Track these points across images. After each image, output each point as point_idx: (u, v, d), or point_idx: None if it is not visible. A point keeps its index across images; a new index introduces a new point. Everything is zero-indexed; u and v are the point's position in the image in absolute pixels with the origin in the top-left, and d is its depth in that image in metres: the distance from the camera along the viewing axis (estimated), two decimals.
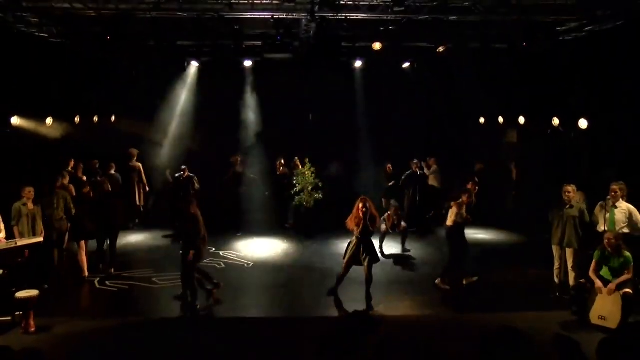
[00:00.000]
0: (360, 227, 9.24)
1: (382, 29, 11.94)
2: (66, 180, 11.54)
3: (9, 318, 8.20)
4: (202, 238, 9.29)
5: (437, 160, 15.58)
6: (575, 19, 10.23)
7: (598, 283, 8.34)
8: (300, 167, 14.68)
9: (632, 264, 8.26)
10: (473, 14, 10.28)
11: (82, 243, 10.66)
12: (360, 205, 9.32)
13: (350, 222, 9.38)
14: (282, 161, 15.64)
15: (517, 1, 9.58)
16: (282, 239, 14.16)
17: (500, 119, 14.55)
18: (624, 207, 9.03)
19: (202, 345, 7.79)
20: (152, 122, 16.51)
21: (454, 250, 10.24)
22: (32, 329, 8.01)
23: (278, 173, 15.39)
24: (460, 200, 10.10)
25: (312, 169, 14.64)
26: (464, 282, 10.28)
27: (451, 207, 10.21)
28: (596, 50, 10.76)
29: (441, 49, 13.68)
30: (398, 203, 13.92)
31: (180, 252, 9.37)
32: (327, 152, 16.09)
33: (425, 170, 15.47)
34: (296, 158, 15.35)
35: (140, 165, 15.26)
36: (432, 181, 15.48)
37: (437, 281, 10.27)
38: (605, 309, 8.19)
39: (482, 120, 15.65)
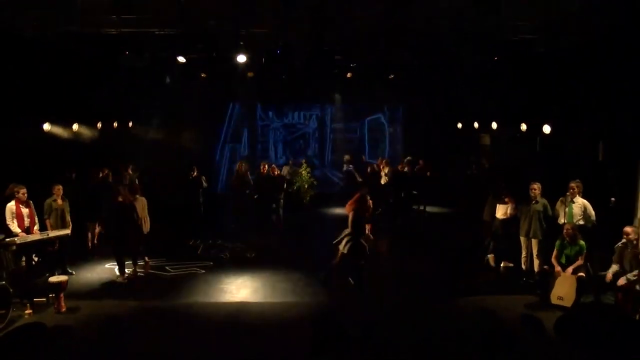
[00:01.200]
0: (356, 214, 9.59)
1: (372, 41, 12.26)
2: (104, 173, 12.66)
3: (44, 299, 8.57)
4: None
5: (388, 161, 15.96)
6: (537, 37, 10.62)
7: (557, 267, 8.82)
8: (278, 171, 14.69)
9: (585, 251, 8.75)
10: (453, 29, 10.56)
11: (88, 224, 11.76)
12: (359, 195, 9.72)
13: (349, 208, 9.71)
14: (265, 165, 15.86)
15: (493, 19, 9.91)
16: (281, 233, 14.35)
17: (476, 124, 14.85)
18: (579, 202, 9.44)
19: (211, 326, 8.08)
20: (163, 127, 16.78)
21: (502, 237, 10.78)
22: (63, 309, 8.36)
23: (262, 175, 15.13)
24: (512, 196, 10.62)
25: (308, 169, 14.99)
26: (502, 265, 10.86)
27: (506, 202, 10.61)
28: (557, 65, 11.14)
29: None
30: (385, 199, 14.36)
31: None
32: (321, 154, 16.40)
33: (383, 173, 15.67)
34: (272, 165, 15.26)
35: None
36: (383, 181, 15.69)
37: (502, 264, 10.78)
38: (563, 290, 8.60)
39: (459, 125, 15.96)
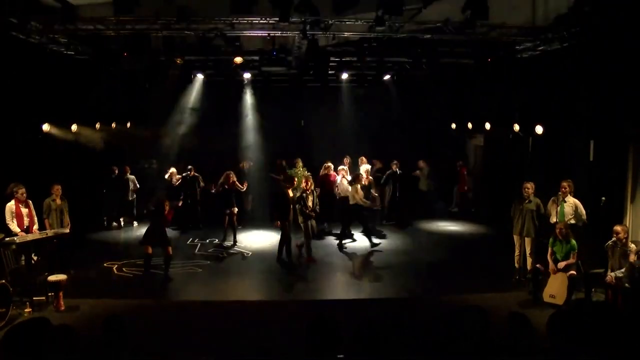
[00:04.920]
0: None
1: (365, 45, 12.29)
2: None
3: (43, 298, 8.57)
4: None
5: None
6: (530, 39, 10.68)
7: (552, 266, 8.83)
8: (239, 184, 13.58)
9: (577, 250, 8.78)
10: (444, 33, 10.62)
11: None
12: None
13: None
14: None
15: (482, 23, 9.96)
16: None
17: (470, 125, 14.89)
18: (571, 201, 9.47)
19: (207, 324, 8.07)
20: (162, 128, 16.78)
21: None
22: (62, 308, 8.40)
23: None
24: None
25: (305, 169, 14.95)
26: None
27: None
28: (549, 65, 11.22)
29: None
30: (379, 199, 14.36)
31: None
32: (316, 154, 16.37)
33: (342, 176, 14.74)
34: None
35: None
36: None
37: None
38: (555, 289, 8.65)
39: (453, 125, 16.01)
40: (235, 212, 13.01)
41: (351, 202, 12.60)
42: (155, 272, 10.52)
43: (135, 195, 15.33)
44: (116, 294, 9.34)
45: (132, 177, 15.25)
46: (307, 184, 11.68)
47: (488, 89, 13.59)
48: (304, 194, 11.50)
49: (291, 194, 11.50)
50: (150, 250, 10.25)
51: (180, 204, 14.52)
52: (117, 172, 15.04)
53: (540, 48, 10.84)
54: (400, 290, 9.79)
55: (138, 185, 15.34)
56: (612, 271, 8.16)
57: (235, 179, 13.12)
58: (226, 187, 12.88)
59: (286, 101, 17.72)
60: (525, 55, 11.17)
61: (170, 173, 15.00)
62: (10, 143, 10.37)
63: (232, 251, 12.32)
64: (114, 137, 14.96)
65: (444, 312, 8.29)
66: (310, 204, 11.47)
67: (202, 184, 14.96)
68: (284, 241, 11.40)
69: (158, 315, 8.39)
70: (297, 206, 11.42)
